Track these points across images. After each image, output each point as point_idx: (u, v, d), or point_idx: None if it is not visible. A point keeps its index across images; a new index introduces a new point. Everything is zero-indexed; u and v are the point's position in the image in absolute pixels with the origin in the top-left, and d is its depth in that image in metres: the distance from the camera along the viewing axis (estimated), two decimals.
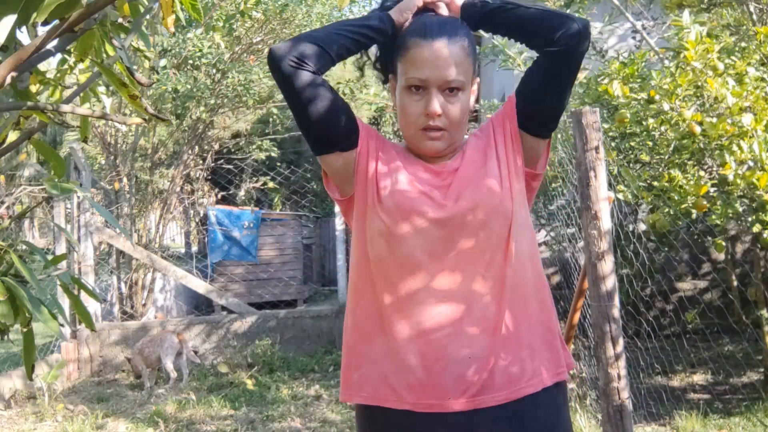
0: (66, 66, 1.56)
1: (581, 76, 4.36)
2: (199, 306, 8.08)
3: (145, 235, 6.96)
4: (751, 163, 2.74)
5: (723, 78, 2.83)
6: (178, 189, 7.40)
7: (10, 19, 0.95)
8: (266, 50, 6.85)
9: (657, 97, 2.95)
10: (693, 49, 2.83)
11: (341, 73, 8.36)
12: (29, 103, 1.16)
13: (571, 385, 3.61)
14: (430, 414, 1.21)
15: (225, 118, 7.94)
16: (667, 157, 3.05)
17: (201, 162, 8.39)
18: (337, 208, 6.13)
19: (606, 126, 3.26)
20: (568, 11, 4.37)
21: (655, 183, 2.97)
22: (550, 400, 1.26)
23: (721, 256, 4.83)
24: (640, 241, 3.89)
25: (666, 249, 4.46)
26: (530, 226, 1.32)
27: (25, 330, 1.14)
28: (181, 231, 13.47)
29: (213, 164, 8.83)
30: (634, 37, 5.13)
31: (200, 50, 6.13)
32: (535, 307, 1.27)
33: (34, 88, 1.39)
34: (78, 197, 5.69)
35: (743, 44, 3.36)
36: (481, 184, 1.26)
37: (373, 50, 1.40)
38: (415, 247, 1.24)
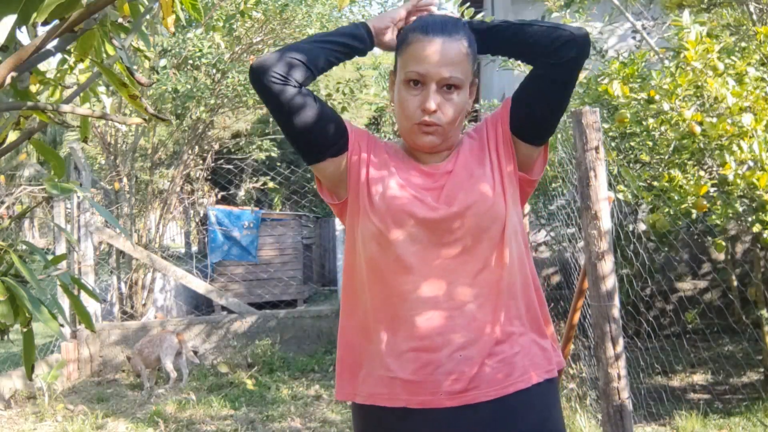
0: (66, 66, 1.55)
1: (581, 76, 4.36)
2: (199, 306, 8.08)
3: (145, 235, 6.96)
4: (751, 163, 2.74)
5: (723, 78, 2.82)
6: (178, 189, 7.41)
7: (10, 19, 0.95)
8: (266, 50, 6.87)
9: (657, 97, 2.95)
10: (693, 49, 2.83)
11: (341, 73, 8.36)
12: (29, 103, 1.16)
13: (571, 385, 3.61)
14: (424, 410, 1.23)
15: (225, 118, 7.94)
16: (667, 157, 3.05)
17: (201, 162, 8.39)
18: None
19: (606, 126, 3.26)
20: (567, 11, 4.38)
21: (655, 183, 2.97)
22: (542, 396, 1.27)
23: (721, 256, 4.83)
24: (640, 241, 3.89)
25: (666, 249, 4.46)
26: (522, 229, 1.33)
27: (25, 330, 1.14)
28: (181, 231, 13.47)
29: (213, 164, 8.83)
30: (634, 37, 5.13)
31: (200, 50, 6.13)
32: (523, 307, 1.29)
33: (34, 88, 1.39)
34: (78, 197, 5.69)
35: (743, 44, 3.36)
36: (474, 187, 1.27)
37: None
38: (407, 250, 1.25)
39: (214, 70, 6.49)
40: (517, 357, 1.25)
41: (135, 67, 1.41)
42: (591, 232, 2.14)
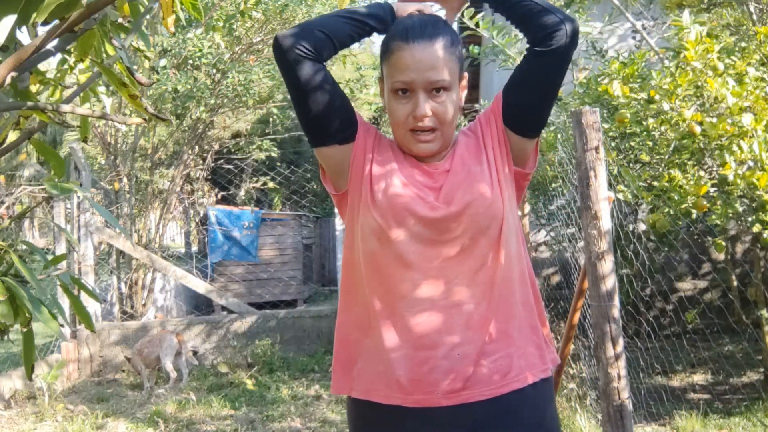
0: (66, 66, 1.55)
1: (581, 76, 4.36)
2: (199, 306, 8.08)
3: (145, 235, 6.96)
4: (751, 163, 2.74)
5: (723, 78, 2.82)
6: (178, 189, 7.41)
7: (10, 19, 0.95)
8: (266, 50, 6.87)
9: (657, 97, 2.95)
10: (693, 49, 2.83)
11: (341, 73, 8.36)
12: (29, 103, 1.16)
13: (571, 385, 3.61)
14: (419, 409, 1.23)
15: (225, 118, 7.94)
16: (667, 157, 3.05)
17: (201, 162, 8.39)
18: None
19: (606, 126, 3.25)
20: (567, 11, 4.37)
21: (655, 183, 2.97)
22: (537, 395, 1.27)
23: (721, 256, 4.83)
24: (640, 241, 3.89)
25: (666, 249, 4.46)
26: (518, 228, 1.34)
27: (24, 330, 1.14)
28: (181, 231, 13.47)
29: (213, 164, 8.83)
30: (634, 37, 5.13)
31: (200, 50, 6.13)
32: (520, 306, 1.29)
33: (34, 88, 1.39)
34: (78, 197, 5.69)
35: (743, 44, 3.36)
36: (472, 186, 1.27)
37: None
38: (406, 247, 1.25)
39: (214, 70, 6.49)
40: (513, 356, 1.25)
41: (135, 67, 1.41)
42: (591, 232, 2.14)
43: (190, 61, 6.32)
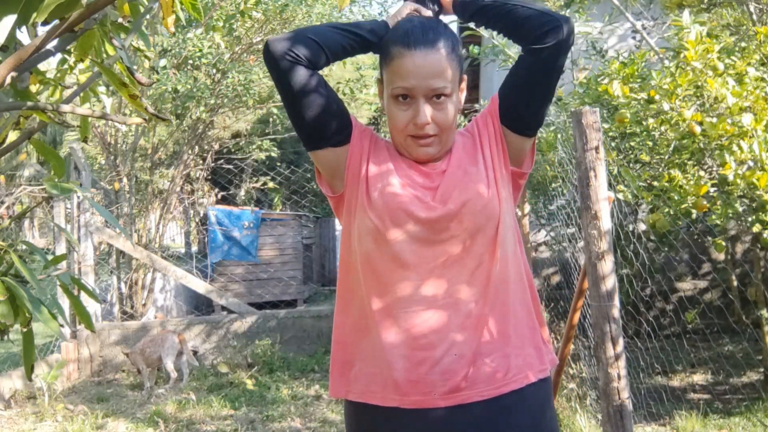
0: (66, 66, 1.55)
1: (581, 76, 4.36)
2: (199, 306, 8.08)
3: (145, 235, 6.96)
4: (751, 163, 2.74)
5: (723, 78, 2.82)
6: (178, 189, 7.41)
7: (10, 19, 0.95)
8: None
9: (657, 97, 2.95)
10: (693, 49, 2.83)
11: (341, 73, 8.36)
12: (29, 103, 1.16)
13: (571, 385, 3.61)
14: (417, 410, 1.22)
15: (225, 118, 7.94)
16: (667, 157, 3.04)
17: (201, 162, 8.39)
18: None
19: (606, 126, 3.25)
20: (567, 11, 4.37)
21: (655, 183, 2.97)
22: (535, 396, 1.27)
23: (721, 256, 4.83)
24: (640, 241, 3.89)
25: (666, 249, 4.46)
26: (515, 228, 1.33)
27: (24, 330, 1.14)
28: (181, 231, 13.47)
29: (213, 164, 8.83)
30: (634, 37, 5.13)
31: (200, 50, 6.13)
32: (517, 306, 1.29)
33: (34, 88, 1.39)
34: (78, 197, 5.69)
35: (743, 44, 3.36)
36: (469, 186, 1.27)
37: None
38: (403, 247, 1.25)
39: (214, 70, 6.49)
40: (511, 356, 1.25)
41: (135, 67, 1.41)
42: (591, 232, 2.14)
43: (190, 61, 6.32)
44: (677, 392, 4.14)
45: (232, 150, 9.37)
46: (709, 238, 3.96)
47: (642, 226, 4.39)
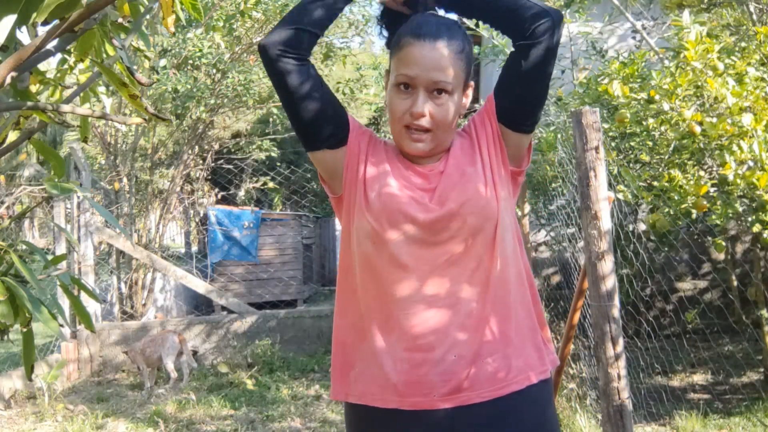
0: (66, 66, 1.55)
1: (581, 76, 4.36)
2: (199, 306, 8.08)
3: (145, 235, 6.96)
4: (751, 163, 2.74)
5: (723, 78, 2.82)
6: (178, 189, 7.41)
7: (10, 19, 0.95)
8: None
9: (657, 97, 2.95)
10: (693, 49, 2.82)
11: (341, 73, 8.36)
12: (29, 103, 1.16)
13: (571, 385, 3.61)
14: (417, 412, 1.22)
15: (225, 118, 7.95)
16: (667, 157, 3.04)
17: (201, 162, 8.39)
18: None
19: (606, 126, 3.25)
20: (567, 11, 4.38)
21: (655, 183, 2.97)
22: (536, 397, 1.26)
23: (721, 256, 4.83)
24: (640, 241, 3.89)
25: (666, 249, 4.46)
26: (516, 228, 1.33)
27: (24, 330, 1.14)
28: (181, 231, 13.48)
29: (213, 164, 8.83)
30: (634, 37, 5.13)
31: (200, 50, 6.13)
32: (518, 306, 1.28)
33: (34, 88, 1.39)
34: (78, 197, 5.69)
35: (743, 44, 3.36)
36: (467, 187, 1.26)
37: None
38: (401, 249, 1.24)
39: (214, 70, 6.49)
40: (512, 357, 1.25)
41: (135, 67, 1.41)
42: (591, 232, 2.14)
43: (190, 61, 6.32)
44: (677, 392, 4.14)
45: (232, 150, 9.37)
46: (709, 238, 3.96)
47: (642, 226, 4.39)
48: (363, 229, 1.27)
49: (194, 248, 11.05)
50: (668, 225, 2.97)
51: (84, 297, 4.80)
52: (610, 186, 2.93)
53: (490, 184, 1.28)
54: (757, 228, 2.78)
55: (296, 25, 1.25)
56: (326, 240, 12.07)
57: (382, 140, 1.38)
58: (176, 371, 5.07)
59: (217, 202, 10.46)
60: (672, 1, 4.18)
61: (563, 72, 4.81)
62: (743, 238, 4.90)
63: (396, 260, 1.24)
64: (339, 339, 1.33)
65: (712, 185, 2.88)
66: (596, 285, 2.13)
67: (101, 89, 1.59)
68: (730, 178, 2.73)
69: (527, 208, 4.48)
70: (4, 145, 1.27)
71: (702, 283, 5.68)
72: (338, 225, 6.27)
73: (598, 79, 3.49)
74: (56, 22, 1.06)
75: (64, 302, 5.06)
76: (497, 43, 4.04)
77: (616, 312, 2.12)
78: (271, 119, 8.37)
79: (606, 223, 2.13)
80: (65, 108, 1.16)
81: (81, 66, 1.56)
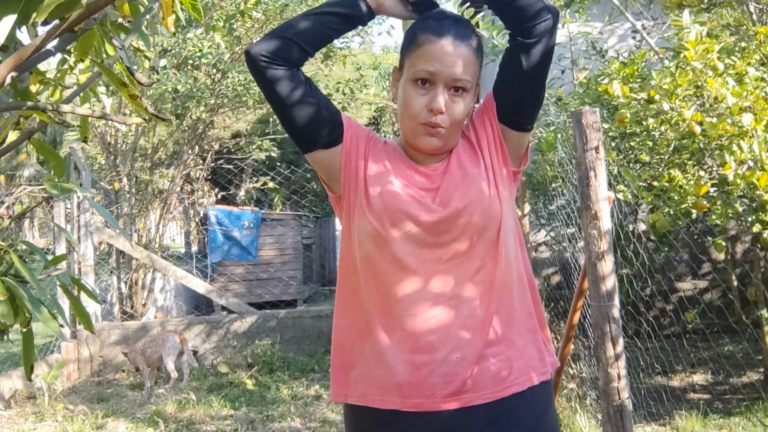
0: (66, 66, 1.55)
1: (581, 76, 4.36)
2: (199, 306, 8.08)
3: (145, 235, 6.96)
4: (751, 163, 2.74)
5: (723, 78, 2.82)
6: (178, 189, 7.40)
7: (10, 19, 0.95)
8: None
9: (657, 97, 2.95)
10: (693, 49, 2.83)
11: (341, 73, 8.35)
12: (29, 103, 1.16)
13: (571, 385, 3.61)
14: (418, 413, 1.21)
15: (225, 118, 7.94)
16: (667, 157, 3.05)
17: (201, 162, 8.39)
18: None
19: (606, 126, 3.26)
20: (567, 11, 4.37)
21: (655, 183, 2.97)
22: (537, 398, 1.26)
23: (721, 256, 4.83)
24: (640, 241, 3.89)
25: (666, 249, 4.46)
26: (517, 230, 1.33)
27: (24, 330, 1.14)
28: (181, 231, 13.48)
29: (213, 164, 8.83)
30: (634, 37, 5.13)
31: (200, 50, 6.13)
32: (520, 307, 1.28)
33: (34, 88, 1.39)
34: (78, 197, 5.69)
35: (743, 44, 3.36)
36: (470, 188, 1.26)
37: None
38: (403, 250, 1.24)
39: (214, 70, 6.48)
40: (513, 359, 1.24)
41: (135, 67, 1.41)
42: (591, 232, 2.14)
43: (190, 61, 6.32)
44: (677, 392, 4.14)
45: (232, 150, 9.37)
46: (709, 238, 3.96)
47: (642, 226, 4.39)
48: (364, 230, 1.26)
49: (194, 248, 11.05)
50: (668, 225, 2.97)
51: (84, 297, 4.80)
52: (610, 186, 2.93)
53: (492, 184, 1.27)
54: (757, 228, 2.78)
55: (283, 35, 1.24)
56: (326, 240, 12.07)
57: (381, 139, 1.37)
58: (176, 371, 5.07)
59: (217, 202, 10.46)
60: (672, 1, 4.18)
61: (563, 72, 4.82)
62: (743, 238, 4.90)
63: (398, 261, 1.24)
64: (339, 339, 1.33)
65: (712, 185, 2.89)
66: (596, 285, 2.13)
67: (101, 89, 1.59)
68: (730, 178, 2.73)
69: (527, 208, 4.48)
70: (4, 145, 1.27)
71: (702, 283, 5.68)
72: (338, 225, 6.26)
73: (598, 79, 3.49)
74: (56, 22, 1.06)
75: (64, 302, 5.06)
76: (497, 43, 4.04)
77: (616, 312, 2.12)
78: (271, 119, 8.38)
79: (606, 223, 2.13)
80: (65, 108, 1.16)
81: (81, 66, 1.56)
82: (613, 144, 3.37)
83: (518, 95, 1.29)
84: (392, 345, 1.23)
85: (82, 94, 1.56)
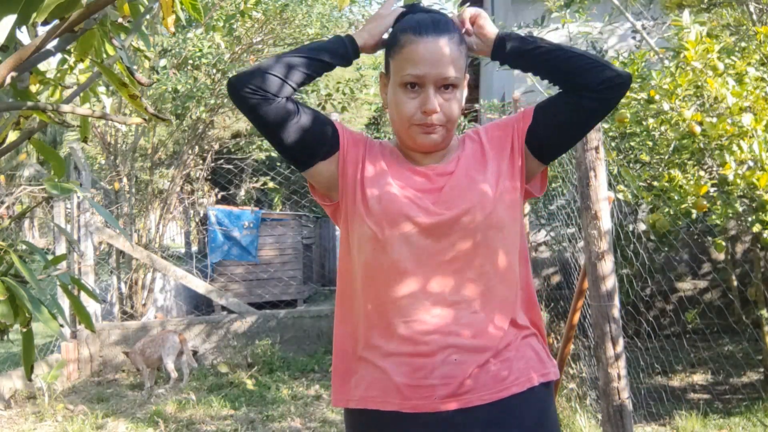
0: (66, 66, 1.55)
1: None
2: (199, 306, 8.08)
3: (145, 235, 6.96)
4: (751, 163, 2.74)
5: (723, 78, 2.82)
6: (178, 189, 7.40)
7: (10, 19, 0.95)
8: (266, 50, 6.87)
9: (657, 97, 2.95)
10: (693, 49, 2.83)
11: (341, 73, 8.35)
12: (29, 103, 1.16)
13: (571, 385, 3.61)
14: (418, 414, 1.21)
15: (225, 118, 7.94)
16: (667, 157, 3.05)
17: (201, 162, 8.39)
18: None
19: (606, 126, 3.26)
20: (567, 11, 4.37)
21: (655, 183, 2.97)
22: (537, 399, 1.26)
23: (721, 256, 4.83)
24: (640, 241, 3.89)
25: (666, 249, 4.46)
26: (521, 236, 1.32)
27: (24, 330, 1.14)
28: (181, 231, 13.47)
29: (213, 164, 8.83)
30: (634, 37, 5.13)
31: (200, 50, 6.13)
32: (518, 312, 1.29)
33: (34, 88, 1.39)
34: (78, 197, 5.69)
35: (743, 44, 3.36)
36: (473, 193, 1.26)
37: None
38: (402, 253, 1.23)
39: (214, 70, 6.48)
40: (513, 360, 1.24)
41: (135, 67, 1.41)
42: (591, 232, 2.14)
43: (190, 61, 6.32)
44: (677, 392, 4.14)
45: (232, 150, 9.36)
46: (709, 238, 3.96)
47: (642, 226, 4.39)
48: (364, 235, 1.26)
49: (194, 248, 11.05)
50: (668, 225, 2.97)
51: (84, 297, 4.80)
52: (610, 186, 2.93)
53: (497, 191, 1.27)
54: (757, 228, 2.78)
55: (267, 70, 1.23)
56: (326, 240, 12.06)
57: (376, 141, 1.37)
58: (176, 371, 5.07)
59: (217, 202, 10.46)
60: (672, 1, 4.18)
61: None
62: (743, 238, 4.90)
63: (397, 262, 1.23)
64: (340, 347, 1.33)
65: (712, 185, 2.89)
66: (596, 285, 2.13)
67: (101, 89, 1.59)
68: (730, 178, 2.73)
69: (527, 208, 4.48)
70: (4, 145, 1.27)
71: (702, 283, 5.68)
72: None
73: None
74: (56, 22, 1.06)
75: (64, 302, 5.06)
76: None
77: (616, 312, 2.12)
78: None
79: (606, 223, 2.13)
80: (65, 108, 1.16)
81: (81, 66, 1.56)
82: (613, 144, 3.37)
83: (559, 132, 1.29)
84: (391, 348, 1.23)
85: (82, 94, 1.56)
